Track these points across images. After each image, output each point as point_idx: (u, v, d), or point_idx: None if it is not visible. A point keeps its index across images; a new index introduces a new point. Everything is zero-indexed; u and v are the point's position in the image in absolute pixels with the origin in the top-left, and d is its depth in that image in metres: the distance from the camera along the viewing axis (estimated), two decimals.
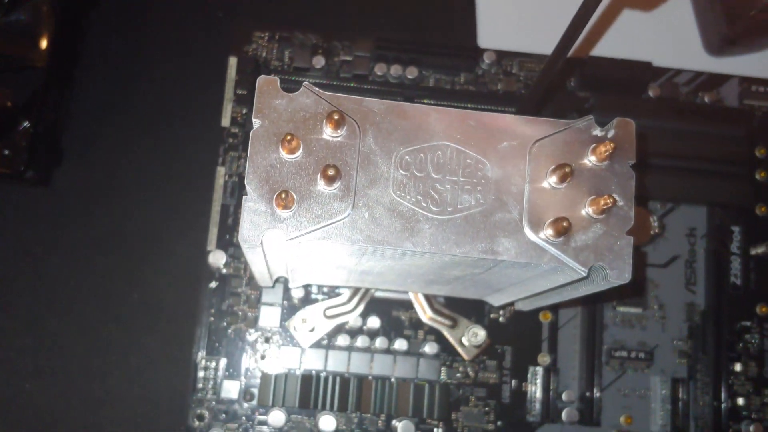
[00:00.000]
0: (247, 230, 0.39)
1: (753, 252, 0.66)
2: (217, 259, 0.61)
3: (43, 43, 0.60)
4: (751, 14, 0.66)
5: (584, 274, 0.40)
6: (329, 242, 0.39)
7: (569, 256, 0.40)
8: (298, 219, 0.39)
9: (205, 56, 0.67)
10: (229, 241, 0.62)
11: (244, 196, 0.39)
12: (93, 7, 0.67)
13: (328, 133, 0.40)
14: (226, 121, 0.64)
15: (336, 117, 0.39)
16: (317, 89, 0.40)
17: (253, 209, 0.39)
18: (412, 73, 0.65)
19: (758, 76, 0.69)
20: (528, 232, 0.40)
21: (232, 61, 0.65)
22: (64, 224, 0.63)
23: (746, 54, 0.72)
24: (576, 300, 0.64)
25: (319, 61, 0.65)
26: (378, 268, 0.47)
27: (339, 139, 0.40)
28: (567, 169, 0.39)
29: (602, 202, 0.39)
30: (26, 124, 0.58)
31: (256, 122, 0.40)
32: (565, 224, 0.39)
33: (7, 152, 0.57)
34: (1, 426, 0.60)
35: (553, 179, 0.40)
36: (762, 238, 0.66)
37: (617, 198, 0.40)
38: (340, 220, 0.39)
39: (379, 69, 0.65)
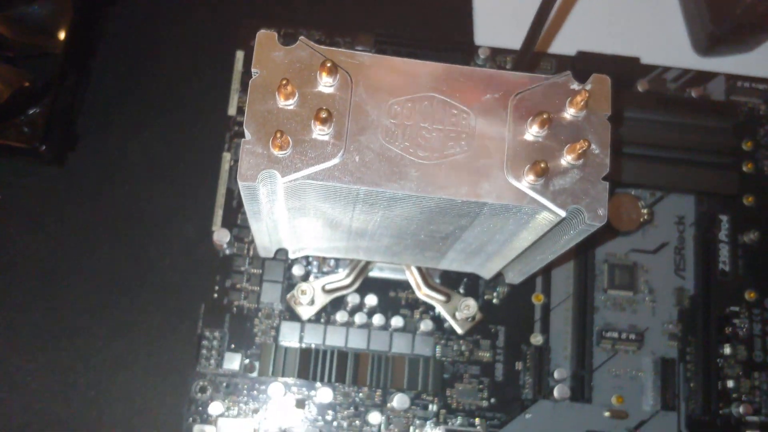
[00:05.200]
0: (246, 169, 0.41)
1: (741, 240, 0.68)
2: (222, 236, 0.63)
3: (61, 34, 0.64)
4: (736, 13, 0.69)
5: (563, 215, 0.42)
6: (322, 183, 0.42)
7: (548, 199, 0.42)
8: (293, 161, 0.42)
9: (213, 50, 0.70)
10: (233, 221, 0.65)
11: (242, 140, 0.42)
12: (111, 4, 0.71)
13: (322, 83, 0.43)
14: (232, 110, 0.67)
15: (329, 65, 0.42)
16: (312, 43, 0.43)
17: (251, 151, 0.42)
18: None
19: (745, 74, 0.72)
20: (509, 177, 0.43)
21: (239, 55, 0.69)
22: (77, 203, 0.66)
23: (733, 54, 0.74)
24: (568, 282, 0.66)
25: None
26: (371, 225, 0.50)
27: (332, 90, 0.43)
28: (545, 116, 0.42)
29: (578, 147, 0.42)
30: (43, 104, 0.61)
31: (254, 72, 0.43)
32: (542, 165, 0.41)
33: (25, 129, 0.60)
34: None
35: (533, 128, 0.43)
36: (749, 226, 0.68)
37: (592, 143, 0.43)
38: (332, 162, 0.42)
39: None
